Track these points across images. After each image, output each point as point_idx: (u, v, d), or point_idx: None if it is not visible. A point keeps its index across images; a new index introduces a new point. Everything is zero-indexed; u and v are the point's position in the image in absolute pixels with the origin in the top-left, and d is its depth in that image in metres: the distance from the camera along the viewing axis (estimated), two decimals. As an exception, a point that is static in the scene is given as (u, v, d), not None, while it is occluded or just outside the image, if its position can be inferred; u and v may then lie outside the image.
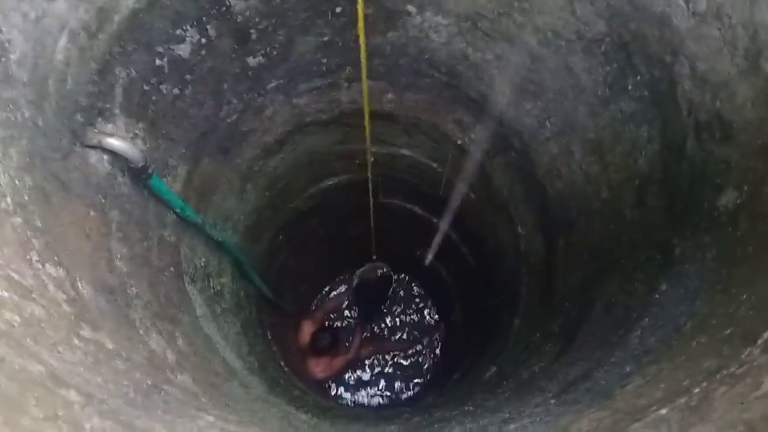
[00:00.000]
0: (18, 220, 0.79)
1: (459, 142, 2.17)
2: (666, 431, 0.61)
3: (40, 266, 0.79)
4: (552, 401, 1.06)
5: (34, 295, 0.72)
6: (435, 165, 2.50)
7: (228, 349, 1.71)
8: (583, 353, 1.31)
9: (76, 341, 0.74)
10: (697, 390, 0.69)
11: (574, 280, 1.70)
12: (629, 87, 1.41)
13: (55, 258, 0.85)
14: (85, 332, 0.79)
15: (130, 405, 0.71)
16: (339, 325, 3.95)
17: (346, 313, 3.99)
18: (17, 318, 0.65)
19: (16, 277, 0.70)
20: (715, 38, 1.10)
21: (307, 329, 3.67)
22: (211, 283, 1.88)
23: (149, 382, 0.84)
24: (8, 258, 0.71)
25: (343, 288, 4.04)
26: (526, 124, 1.79)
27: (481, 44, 1.60)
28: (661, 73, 1.26)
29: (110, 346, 0.87)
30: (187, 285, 1.62)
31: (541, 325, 1.85)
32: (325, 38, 1.65)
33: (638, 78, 1.38)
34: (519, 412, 1.06)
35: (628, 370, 0.99)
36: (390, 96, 2.05)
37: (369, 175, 2.51)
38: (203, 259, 1.81)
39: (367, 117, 2.04)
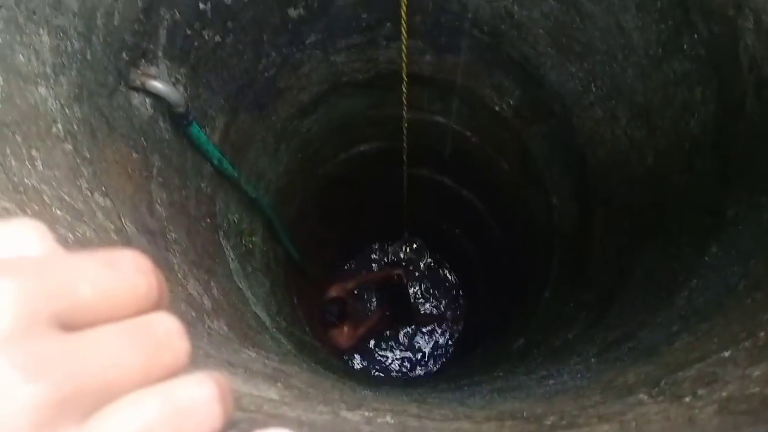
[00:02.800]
0: (68, 146, 0.79)
1: (496, 108, 2.12)
2: (733, 368, 0.58)
3: (89, 194, 0.79)
4: (592, 360, 1.04)
5: (84, 219, 0.71)
6: (468, 134, 2.46)
7: (259, 306, 1.71)
8: (622, 318, 1.28)
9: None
10: (762, 333, 0.66)
11: (612, 248, 1.66)
12: (684, 46, 1.35)
13: (102, 189, 0.84)
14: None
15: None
16: (359, 296, 3.92)
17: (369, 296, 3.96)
18: (70, 236, 0.65)
19: (68, 199, 0.69)
20: (785, -11, 1.04)
21: (330, 294, 3.67)
22: (243, 241, 1.88)
23: (193, 315, 0.83)
24: (60, 181, 0.70)
25: (371, 257, 4.03)
26: (569, 88, 1.74)
27: (527, 1, 1.55)
28: (722, 28, 1.20)
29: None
30: (221, 239, 1.62)
31: (573, 295, 1.81)
32: (367, -8, 1.62)
33: (695, 36, 1.32)
34: (557, 370, 1.04)
35: (674, 329, 0.96)
36: (428, 58, 2.01)
37: (404, 145, 2.48)
38: (237, 216, 1.81)
39: (405, 74, 2.00)
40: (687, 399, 0.53)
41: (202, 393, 0.27)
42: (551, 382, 1.00)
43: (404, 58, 1.82)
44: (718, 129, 1.26)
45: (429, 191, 3.15)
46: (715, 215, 1.19)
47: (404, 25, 1.64)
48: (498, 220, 2.93)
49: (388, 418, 0.43)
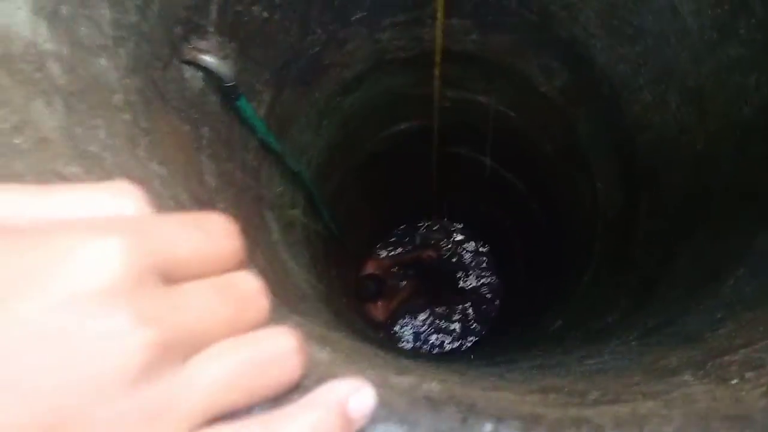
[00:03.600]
0: (127, 116, 0.82)
1: (543, 89, 2.09)
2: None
3: (147, 162, 0.82)
4: (633, 343, 1.03)
5: (143, 186, 0.74)
6: (513, 114, 2.44)
7: (300, 276, 1.75)
8: (664, 304, 1.27)
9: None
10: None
11: (657, 234, 1.63)
12: (740, 30, 1.31)
13: (159, 158, 0.88)
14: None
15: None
16: (395, 274, 3.94)
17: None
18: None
19: (127, 166, 0.73)
20: None
21: (365, 271, 3.72)
22: (286, 213, 1.92)
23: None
24: (120, 149, 0.74)
25: (408, 235, 4.05)
26: (618, 70, 1.71)
27: (579, -21, 1.53)
28: (783, 11, 1.16)
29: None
30: (265, 210, 1.66)
31: (615, 279, 1.80)
32: (415, -32, 1.61)
33: (752, 20, 1.28)
34: (597, 351, 1.04)
35: (719, 316, 0.95)
36: (474, 37, 1.99)
37: (435, 123, 2.47)
38: (279, 189, 1.84)
39: (438, 57, 2.00)
40: (734, 381, 0.53)
41: (285, 343, 0.30)
42: (591, 362, 1.00)
43: (438, 39, 1.82)
44: None
45: (470, 171, 3.14)
46: (764, 203, 1.17)
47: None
48: (539, 202, 2.90)
49: (434, 384, 0.44)
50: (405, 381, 0.44)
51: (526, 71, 2.04)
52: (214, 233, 0.31)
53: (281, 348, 0.31)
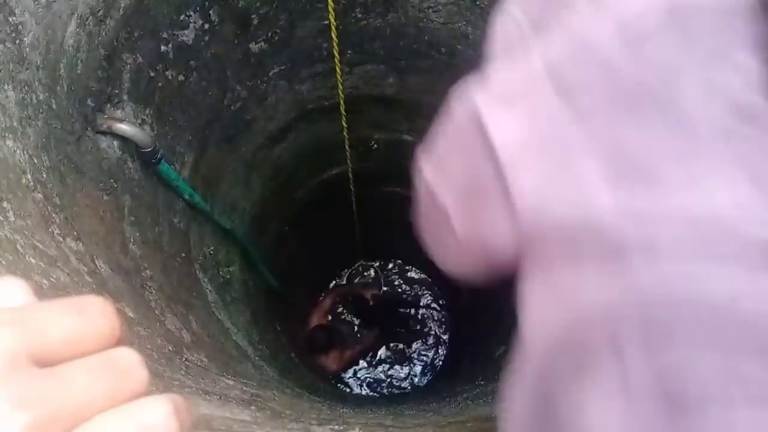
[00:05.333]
0: (39, 195, 0.81)
1: (461, 124, 2.18)
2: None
3: (62, 239, 0.81)
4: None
5: (58, 264, 0.74)
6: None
7: (240, 335, 1.73)
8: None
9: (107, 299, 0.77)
10: None
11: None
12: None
13: (75, 233, 0.87)
14: (117, 294, 0.82)
15: (156, 363, 0.73)
16: (344, 317, 3.92)
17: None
18: (45, 281, 0.67)
19: (41, 246, 0.72)
20: None
21: (313, 322, 3.68)
22: (221, 272, 1.90)
23: (171, 349, 0.86)
24: (32, 229, 0.73)
25: (350, 278, 4.04)
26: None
27: (480, 22, 1.62)
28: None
29: (131, 314, 0.89)
30: (197, 272, 1.64)
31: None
32: (325, 22, 1.66)
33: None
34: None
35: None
36: (391, 80, 2.07)
37: (349, 164, 2.51)
38: (212, 248, 1.83)
39: (342, 103, 2.05)
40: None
41: (159, 410, 0.33)
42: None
43: (340, 86, 1.88)
44: None
45: (403, 209, 3.19)
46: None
47: (336, 56, 1.70)
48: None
49: (357, 430, 0.46)
50: (326, 431, 0.45)
51: (442, 108, 2.11)
52: (90, 314, 0.33)
53: (156, 413, 0.33)
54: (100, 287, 0.84)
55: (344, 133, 1.97)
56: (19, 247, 0.68)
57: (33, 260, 0.68)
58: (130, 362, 0.34)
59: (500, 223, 0.43)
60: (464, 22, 1.67)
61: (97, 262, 0.91)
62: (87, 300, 0.34)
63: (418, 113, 2.25)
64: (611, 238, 0.37)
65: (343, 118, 1.88)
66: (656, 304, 0.36)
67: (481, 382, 1.52)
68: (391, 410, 1.16)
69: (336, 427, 0.44)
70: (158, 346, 0.85)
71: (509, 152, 0.41)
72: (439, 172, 0.49)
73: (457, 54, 1.83)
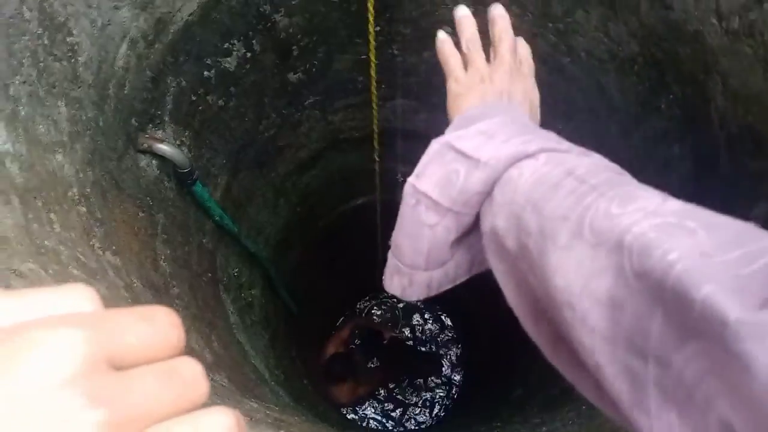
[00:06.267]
0: (83, 209, 0.84)
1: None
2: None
3: (101, 253, 0.84)
4: (583, 407, 1.06)
5: (98, 277, 0.76)
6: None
7: (258, 358, 1.73)
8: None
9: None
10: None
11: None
12: (662, 105, 1.43)
13: (113, 248, 0.89)
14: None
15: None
16: (360, 347, 3.89)
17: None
18: (85, 293, 0.69)
19: (83, 258, 0.74)
20: (748, 55, 1.12)
21: (328, 351, 3.67)
22: (243, 294, 1.92)
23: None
24: (75, 241, 0.76)
25: (369, 310, 4.03)
26: (556, 143, 1.82)
27: (514, 64, 1.65)
28: (694, 90, 1.28)
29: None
30: (221, 293, 1.66)
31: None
32: (363, 56, 1.71)
33: (670, 96, 1.40)
34: (551, 418, 1.06)
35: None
36: (422, 116, 2.10)
37: (378, 199, 2.53)
38: (236, 270, 1.85)
39: (376, 136, 2.08)
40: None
41: (224, 421, 0.34)
42: (544, 429, 1.02)
43: (375, 119, 1.91)
44: (697, 182, 1.33)
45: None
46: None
47: (374, 90, 1.73)
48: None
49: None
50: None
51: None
52: (159, 324, 0.35)
53: (221, 424, 0.34)
54: (134, 302, 0.86)
55: (376, 165, 2.00)
56: (63, 258, 0.70)
57: (76, 271, 0.71)
58: (195, 372, 0.36)
59: (469, 176, 0.60)
60: (498, 63, 1.70)
61: (131, 277, 0.93)
62: (157, 309, 0.36)
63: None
64: None
65: (376, 152, 1.91)
66: None
67: (498, 424, 1.50)
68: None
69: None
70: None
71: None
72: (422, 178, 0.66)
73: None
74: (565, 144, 0.64)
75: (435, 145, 0.69)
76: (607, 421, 0.85)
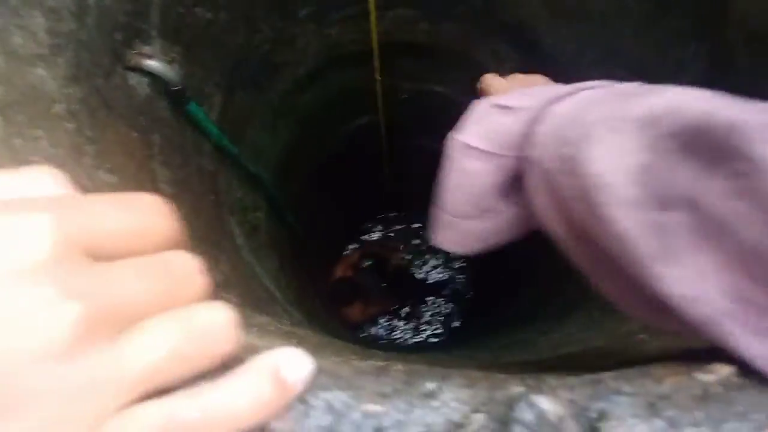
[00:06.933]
0: (70, 126, 0.80)
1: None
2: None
3: (94, 170, 0.81)
4: (596, 313, 1.06)
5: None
6: (468, 102, 2.46)
7: (268, 279, 1.74)
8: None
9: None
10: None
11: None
12: (677, 4, 1.35)
13: (107, 166, 0.86)
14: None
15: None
16: (367, 271, 3.92)
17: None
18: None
19: (74, 176, 0.71)
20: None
21: (336, 274, 3.71)
22: (248, 217, 1.90)
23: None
24: (64, 158, 0.72)
25: (375, 232, 4.04)
26: (565, 50, 1.74)
27: (520, -37, 1.55)
28: (713, -19, 1.20)
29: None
30: (226, 215, 1.64)
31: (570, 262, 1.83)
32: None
33: (686, -8, 1.32)
34: (562, 324, 1.06)
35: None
36: (423, 26, 2.01)
37: (381, 117, 2.48)
38: (240, 193, 1.83)
39: (376, 48, 2.00)
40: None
41: (219, 316, 0.30)
42: (557, 335, 1.02)
43: (374, 31, 1.82)
44: (710, 84, 1.27)
45: (431, 163, 3.15)
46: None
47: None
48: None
49: (399, 366, 0.45)
50: (368, 365, 0.44)
51: (477, 57, 2.06)
52: (145, 211, 0.31)
53: (216, 320, 0.31)
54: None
55: (377, 81, 1.93)
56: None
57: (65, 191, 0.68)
58: (190, 267, 0.32)
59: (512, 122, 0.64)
60: (503, -36, 1.60)
61: (127, 197, 0.91)
62: (141, 196, 0.32)
63: (449, 63, 2.19)
64: None
65: (377, 69, 1.84)
66: None
67: (511, 330, 1.51)
68: (422, 355, 1.17)
69: (377, 362, 0.43)
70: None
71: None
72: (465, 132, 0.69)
73: (493, 1, 1.77)
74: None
75: (477, 104, 0.72)
76: (621, 325, 0.84)
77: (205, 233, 1.36)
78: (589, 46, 1.64)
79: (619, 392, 0.35)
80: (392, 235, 4.04)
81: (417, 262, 3.99)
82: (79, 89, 0.91)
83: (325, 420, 0.34)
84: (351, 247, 3.97)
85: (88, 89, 0.96)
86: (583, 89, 0.62)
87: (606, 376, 0.38)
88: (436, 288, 3.93)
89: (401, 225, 4.04)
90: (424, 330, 3.81)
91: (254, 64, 1.72)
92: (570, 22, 1.64)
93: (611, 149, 0.46)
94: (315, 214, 2.88)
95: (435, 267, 3.98)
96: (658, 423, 0.32)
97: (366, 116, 2.62)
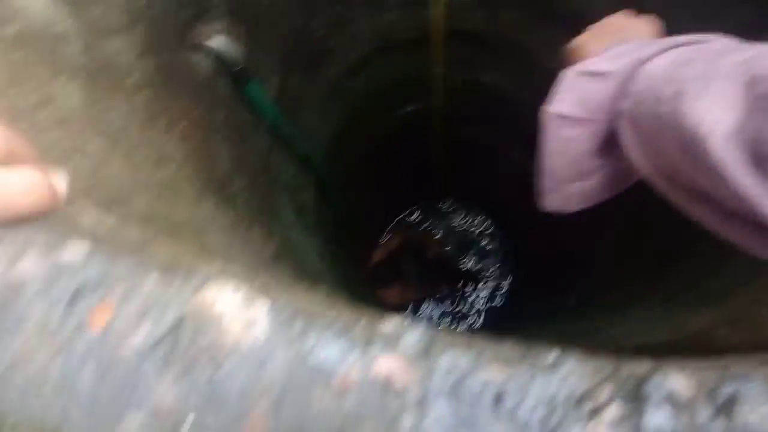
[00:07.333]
0: (144, 96, 0.84)
1: (549, 65, 2.09)
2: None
3: (164, 142, 0.84)
4: (657, 308, 1.05)
5: (162, 165, 0.77)
6: (521, 93, 2.44)
7: (315, 257, 1.78)
8: (686, 269, 1.27)
9: (202, 207, 0.80)
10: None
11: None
12: (747, -7, 1.31)
13: (175, 138, 0.90)
14: (209, 204, 0.85)
15: (246, 269, 0.76)
16: (405, 257, 3.93)
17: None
18: (153, 178, 0.71)
19: (146, 145, 0.75)
20: None
21: (375, 258, 3.73)
22: (297, 196, 1.94)
23: (257, 261, 0.89)
24: (138, 129, 0.76)
25: (417, 219, 4.05)
26: (624, 40, 1.70)
27: (583, -50, 1.52)
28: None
29: (229, 218, 0.93)
30: (278, 194, 1.68)
31: (632, 248, 1.80)
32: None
33: (759, -18, 1.27)
34: (620, 318, 1.05)
35: (745, 276, 0.95)
36: (480, 14, 1.99)
37: (433, 104, 2.47)
38: (291, 172, 1.86)
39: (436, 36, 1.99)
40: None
41: (30, 175, 0.37)
42: (616, 328, 1.01)
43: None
44: (757, 32, 1.22)
45: (479, 153, 3.14)
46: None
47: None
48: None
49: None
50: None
51: (531, 47, 2.03)
52: None
53: (10, 181, 0.37)
54: (200, 193, 0.87)
55: (434, 68, 1.93)
56: (125, 143, 0.71)
57: (139, 157, 0.71)
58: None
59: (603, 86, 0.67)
60: (564, -49, 1.58)
61: (194, 169, 0.94)
62: None
63: (503, 52, 2.17)
64: None
65: (433, 53, 1.83)
66: None
67: (557, 325, 1.50)
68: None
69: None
70: (246, 255, 0.88)
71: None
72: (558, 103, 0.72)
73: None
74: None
75: (565, 74, 0.75)
76: (688, 320, 0.83)
77: (259, 208, 1.39)
78: None
79: (748, 377, 0.34)
80: (436, 222, 4.04)
81: (458, 251, 3.98)
82: (150, 63, 0.95)
83: (448, 382, 0.35)
84: (393, 231, 3.98)
85: (157, 63, 1.00)
86: (671, 47, 0.63)
87: (730, 361, 0.37)
88: (476, 277, 3.92)
89: (446, 213, 4.04)
90: (465, 318, 3.81)
91: (310, 47, 1.74)
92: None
93: (710, 104, 0.48)
94: (360, 197, 2.91)
95: (476, 256, 3.96)
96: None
97: (416, 104, 2.62)
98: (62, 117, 0.63)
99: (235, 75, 1.33)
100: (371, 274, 3.59)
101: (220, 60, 1.27)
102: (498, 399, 0.34)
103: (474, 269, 3.94)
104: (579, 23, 1.76)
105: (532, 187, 2.59)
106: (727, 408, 0.33)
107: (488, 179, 3.50)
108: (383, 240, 3.88)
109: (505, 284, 3.85)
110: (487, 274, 3.92)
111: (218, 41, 1.23)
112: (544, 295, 2.71)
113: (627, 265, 1.75)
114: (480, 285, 3.89)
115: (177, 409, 0.31)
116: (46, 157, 0.60)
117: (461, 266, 3.97)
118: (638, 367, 0.36)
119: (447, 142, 2.92)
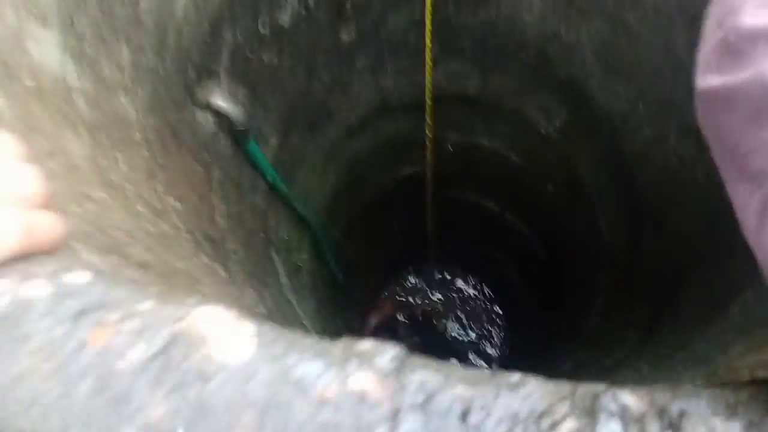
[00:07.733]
0: (146, 153, 0.85)
1: (542, 131, 2.14)
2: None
3: (164, 197, 0.84)
4: (645, 371, 1.03)
5: (162, 217, 0.76)
6: (513, 156, 2.48)
7: (307, 319, 1.75)
8: (673, 332, 1.26)
9: (197, 261, 0.79)
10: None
11: (662, 266, 1.64)
12: (734, 64, 1.36)
13: (175, 194, 0.90)
14: (204, 259, 0.84)
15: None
16: (403, 322, 3.90)
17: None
18: (152, 228, 0.70)
19: (147, 198, 0.74)
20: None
21: (371, 322, 3.69)
22: (292, 258, 1.93)
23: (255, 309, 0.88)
24: (140, 182, 0.76)
25: (409, 283, 4.02)
26: (617, 107, 1.75)
27: (575, 21, 1.58)
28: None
29: (223, 275, 0.91)
30: (273, 254, 1.67)
31: (622, 314, 1.79)
32: (416, 17, 1.67)
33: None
34: (609, 382, 1.03)
35: (729, 338, 0.95)
36: (474, 80, 2.05)
37: (428, 168, 2.50)
38: (286, 233, 1.86)
39: (429, 102, 2.04)
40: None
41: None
42: (608, 396, 0.99)
43: (428, 84, 1.87)
44: None
45: (471, 216, 3.16)
46: None
47: (428, 50, 1.69)
48: (543, 243, 2.91)
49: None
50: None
51: (525, 113, 2.08)
52: None
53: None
54: (196, 248, 0.87)
55: (427, 132, 1.97)
56: (129, 194, 0.71)
57: (140, 209, 0.71)
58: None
59: None
60: (556, 23, 1.64)
61: (191, 225, 0.94)
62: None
63: (498, 117, 2.23)
64: None
65: (427, 125, 1.88)
66: None
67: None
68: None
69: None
70: (248, 305, 0.87)
71: None
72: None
73: (544, 57, 1.80)
74: None
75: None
76: (673, 381, 0.82)
77: (253, 269, 1.38)
78: (643, 103, 1.65)
79: (698, 395, 0.38)
80: (429, 286, 4.01)
81: (450, 320, 3.94)
82: (155, 120, 0.97)
83: (418, 398, 0.37)
84: (387, 294, 3.95)
85: (162, 121, 1.01)
86: None
87: (684, 384, 0.39)
88: (468, 347, 3.86)
89: (438, 276, 4.02)
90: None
91: (310, 109, 1.78)
92: (623, 79, 1.66)
93: None
94: (355, 258, 2.90)
95: (468, 324, 3.92)
96: (737, 425, 0.34)
97: (412, 166, 2.65)
98: (71, 166, 0.63)
99: (236, 135, 1.34)
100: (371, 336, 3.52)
101: (222, 120, 1.29)
102: (465, 414, 0.37)
103: (467, 339, 3.89)
104: (573, 89, 1.82)
105: (526, 249, 2.58)
106: (676, 424, 0.35)
107: (482, 243, 3.51)
108: (378, 303, 3.85)
109: (498, 353, 3.79)
110: (481, 343, 3.87)
111: (222, 102, 1.25)
112: (540, 362, 2.66)
113: (616, 332, 1.74)
114: (471, 356, 3.83)
115: (167, 423, 0.33)
116: (56, 201, 0.60)
117: (454, 335, 3.92)
118: (594, 387, 0.39)
119: (440, 203, 2.94)
